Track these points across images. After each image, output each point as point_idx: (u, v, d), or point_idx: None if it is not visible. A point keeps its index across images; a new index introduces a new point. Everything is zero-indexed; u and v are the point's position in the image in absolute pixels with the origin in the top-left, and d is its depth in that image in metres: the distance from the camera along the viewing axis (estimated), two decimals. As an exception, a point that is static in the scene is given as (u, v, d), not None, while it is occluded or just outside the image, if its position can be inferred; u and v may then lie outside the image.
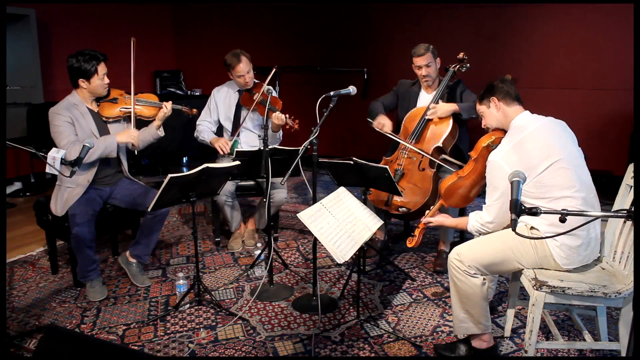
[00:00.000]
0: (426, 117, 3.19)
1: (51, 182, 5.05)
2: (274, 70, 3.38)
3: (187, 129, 3.67)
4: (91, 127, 2.94)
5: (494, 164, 2.15)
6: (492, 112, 2.30)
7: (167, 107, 3.09)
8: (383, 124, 3.30)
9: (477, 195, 2.56)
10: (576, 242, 2.06)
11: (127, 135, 2.99)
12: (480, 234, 2.32)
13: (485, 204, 2.25)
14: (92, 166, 2.90)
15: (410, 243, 2.55)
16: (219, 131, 3.74)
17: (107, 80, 2.97)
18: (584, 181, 2.12)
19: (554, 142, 2.13)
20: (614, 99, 4.71)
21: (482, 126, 2.41)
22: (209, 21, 6.80)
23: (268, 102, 2.97)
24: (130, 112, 3.05)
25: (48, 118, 2.87)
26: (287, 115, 3.36)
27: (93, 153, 2.82)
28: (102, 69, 2.92)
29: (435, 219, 2.51)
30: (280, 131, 3.59)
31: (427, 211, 2.60)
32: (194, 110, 3.29)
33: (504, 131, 2.30)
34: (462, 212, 3.31)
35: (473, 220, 2.30)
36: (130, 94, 3.07)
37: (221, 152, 3.48)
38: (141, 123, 3.15)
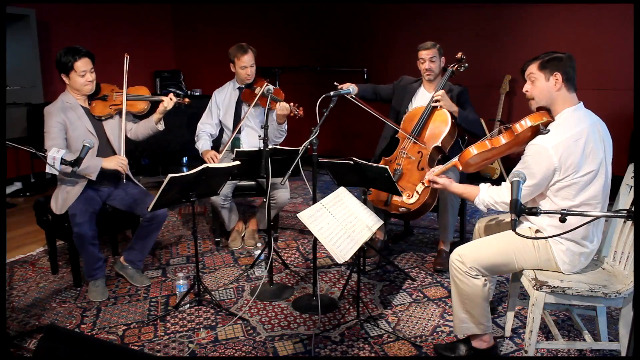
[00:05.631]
0: (432, 102, 3.14)
1: (51, 182, 5.07)
2: (266, 84, 3.34)
3: (187, 128, 3.65)
4: (87, 125, 2.92)
5: (544, 151, 1.98)
6: (548, 87, 2.07)
7: (166, 101, 3.01)
8: (348, 85, 3.25)
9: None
10: (582, 250, 2.07)
11: (115, 163, 2.87)
12: (487, 209, 2.20)
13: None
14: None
15: (410, 198, 2.42)
16: (221, 133, 3.71)
17: (88, 78, 2.85)
18: (606, 193, 2.09)
19: (604, 147, 2.05)
20: (614, 99, 4.71)
21: (524, 90, 2.17)
22: (209, 21, 6.80)
23: (270, 93, 2.92)
24: (120, 109, 2.99)
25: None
26: (292, 104, 3.30)
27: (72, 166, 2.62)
28: (81, 65, 2.80)
29: (442, 180, 2.36)
30: (286, 124, 3.51)
31: (433, 169, 2.46)
32: (186, 99, 3.16)
33: (550, 114, 2.11)
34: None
35: (485, 195, 2.16)
36: (121, 90, 3.01)
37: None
38: (137, 117, 3.14)
